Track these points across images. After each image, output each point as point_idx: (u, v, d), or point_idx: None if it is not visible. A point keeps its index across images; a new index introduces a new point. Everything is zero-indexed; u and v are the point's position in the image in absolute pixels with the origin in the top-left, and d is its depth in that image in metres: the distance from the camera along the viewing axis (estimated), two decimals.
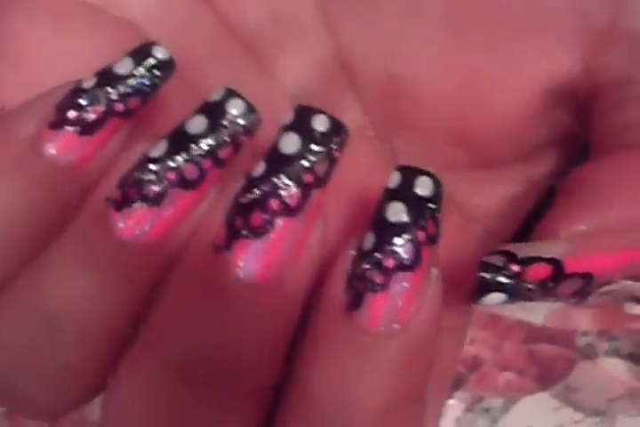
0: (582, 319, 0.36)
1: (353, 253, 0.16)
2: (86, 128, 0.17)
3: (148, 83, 0.17)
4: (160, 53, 0.17)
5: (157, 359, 0.16)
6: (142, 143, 0.17)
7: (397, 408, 0.16)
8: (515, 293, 0.15)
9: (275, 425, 0.17)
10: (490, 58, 0.19)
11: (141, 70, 0.17)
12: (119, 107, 0.17)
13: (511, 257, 0.15)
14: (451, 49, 0.19)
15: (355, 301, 0.16)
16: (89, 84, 0.17)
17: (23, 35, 0.19)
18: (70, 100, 0.17)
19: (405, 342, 0.16)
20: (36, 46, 0.19)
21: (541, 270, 0.15)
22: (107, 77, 0.17)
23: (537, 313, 0.36)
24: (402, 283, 0.16)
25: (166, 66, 0.17)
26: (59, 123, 0.17)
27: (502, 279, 0.15)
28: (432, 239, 0.16)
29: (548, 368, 0.35)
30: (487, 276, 0.15)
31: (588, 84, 0.19)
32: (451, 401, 0.35)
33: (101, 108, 0.17)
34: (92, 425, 0.33)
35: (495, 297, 0.16)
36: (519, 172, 0.20)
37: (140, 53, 0.17)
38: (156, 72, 0.17)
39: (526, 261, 0.15)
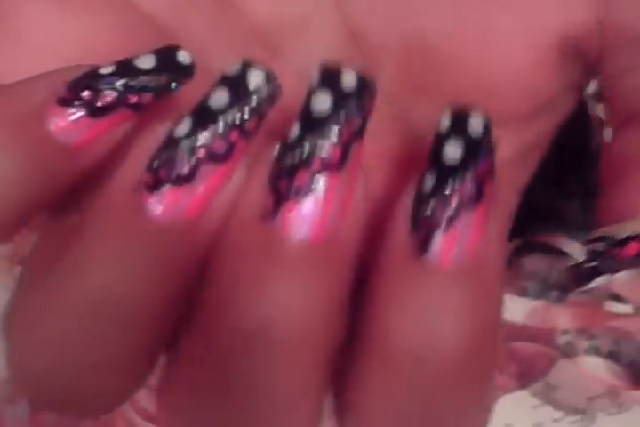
0: (562, 318, 0.36)
1: (413, 196, 0.16)
2: (95, 111, 0.17)
3: (165, 84, 0.17)
4: (183, 58, 0.17)
5: (225, 331, 0.16)
6: (163, 124, 0.17)
7: (480, 345, 0.16)
8: (615, 272, 0.16)
9: (350, 381, 0.17)
10: (504, 12, 0.19)
11: (161, 70, 0.17)
12: (133, 99, 0.17)
13: (608, 240, 0.16)
14: (464, 7, 0.19)
15: (423, 243, 0.16)
16: (106, 70, 0.17)
17: (25, 12, 0.19)
18: (86, 81, 0.17)
19: (480, 277, 0.16)
20: (37, 25, 0.19)
21: (633, 247, 0.16)
22: (126, 69, 0.17)
23: (517, 312, 0.36)
24: (467, 219, 0.16)
25: (186, 71, 0.17)
26: (68, 100, 0.16)
27: (605, 263, 0.16)
28: (490, 174, 0.16)
29: (527, 366, 0.35)
30: (593, 263, 0.16)
31: (600, 40, 0.19)
32: None
33: (115, 95, 0.17)
34: (72, 422, 0.33)
35: (599, 280, 0.16)
36: (533, 124, 0.21)
37: (164, 54, 0.17)
38: (175, 75, 0.17)
39: (622, 242, 0.16)
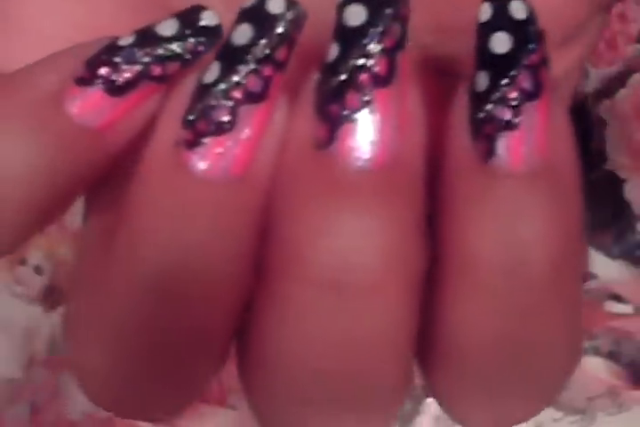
0: None
1: (467, 98, 0.15)
2: (117, 88, 0.15)
3: (191, 48, 0.16)
4: (209, 19, 0.16)
5: (297, 285, 0.15)
6: (190, 75, 0.16)
7: (568, 250, 0.15)
8: None
9: (438, 312, 0.16)
10: None
11: (186, 36, 0.16)
12: (156, 70, 0.16)
13: None
14: None
15: (489, 146, 0.15)
16: (126, 41, 0.16)
17: (31, 2, 0.18)
18: (103, 57, 0.16)
19: (556, 176, 0.15)
20: (39, 10, 0.18)
21: None
22: (147, 37, 0.16)
23: None
24: (531, 114, 0.15)
25: (213, 32, 0.16)
26: (87, 79, 0.15)
27: None
28: (545, 62, 0.15)
29: None
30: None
31: None
32: (430, 399, 0.35)
33: (137, 68, 0.15)
34: (70, 423, 0.33)
35: None
36: (562, 52, 0.19)
37: (187, 17, 0.16)
38: (202, 38, 0.16)
39: None
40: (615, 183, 0.35)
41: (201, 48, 0.16)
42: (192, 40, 0.16)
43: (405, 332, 0.15)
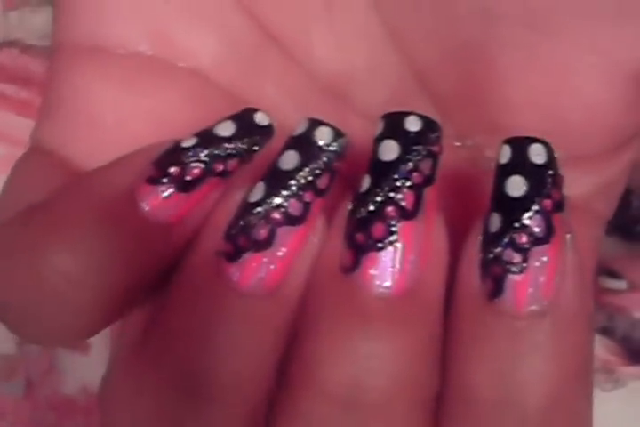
0: None
1: (480, 238, 0.16)
2: (185, 185, 0.16)
3: (247, 148, 0.17)
4: (261, 120, 0.17)
5: (312, 396, 0.16)
6: (238, 191, 0.17)
7: (566, 392, 0.15)
8: None
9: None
10: (575, 48, 0.18)
11: (242, 135, 0.17)
12: (219, 167, 0.17)
13: None
14: (533, 45, 0.18)
15: (495, 287, 0.15)
16: (189, 143, 0.17)
17: (95, 93, 0.19)
18: (171, 157, 0.17)
19: (559, 317, 0.15)
20: (109, 105, 0.19)
21: None
22: (208, 138, 0.17)
23: None
24: (540, 257, 0.15)
25: (266, 132, 0.17)
26: (157, 178, 0.16)
27: None
28: (559, 206, 0.15)
29: None
30: None
31: None
32: None
33: (202, 166, 0.16)
34: (66, 398, 0.33)
35: None
36: (615, 160, 0.20)
37: (242, 118, 0.17)
38: (256, 138, 0.17)
39: None
40: None
41: (256, 147, 0.17)
42: (248, 139, 0.17)
43: None
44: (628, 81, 0.18)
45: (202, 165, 0.16)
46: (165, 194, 0.16)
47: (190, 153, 0.17)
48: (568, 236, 0.16)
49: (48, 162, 0.19)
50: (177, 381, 0.16)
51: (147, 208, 0.16)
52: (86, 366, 0.33)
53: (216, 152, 0.17)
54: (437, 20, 0.19)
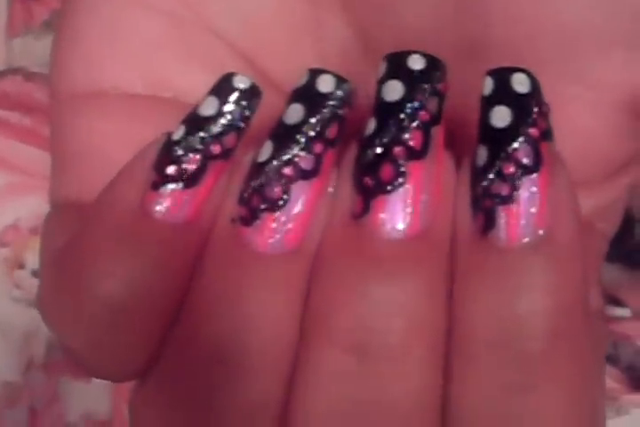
0: None
1: (468, 172, 0.15)
2: (190, 180, 0.16)
3: (238, 117, 0.16)
4: (242, 83, 0.16)
5: (334, 345, 0.15)
6: (246, 155, 0.16)
7: (563, 323, 0.15)
8: None
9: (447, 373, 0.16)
10: (563, 79, 0.18)
11: (229, 106, 0.16)
12: (216, 149, 0.16)
13: None
14: None
15: (487, 221, 0.15)
16: (179, 133, 0.16)
17: (97, 132, 0.19)
18: (166, 156, 0.16)
19: (553, 249, 0.15)
20: (113, 140, 0.19)
21: None
22: (195, 122, 0.16)
23: None
24: (530, 188, 0.15)
25: (252, 94, 0.16)
26: (161, 182, 0.16)
27: None
28: (546, 134, 0.15)
29: None
30: None
31: None
32: None
33: (199, 155, 0.16)
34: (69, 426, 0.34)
35: None
36: (611, 184, 0.19)
37: (221, 88, 0.16)
38: (244, 103, 0.16)
39: None
40: None
41: (247, 112, 0.16)
42: (236, 108, 0.16)
43: (432, 395, 0.16)
44: (617, 109, 0.18)
45: (197, 156, 0.16)
46: (174, 195, 0.16)
47: (182, 145, 0.16)
48: (559, 166, 0.15)
49: (71, 215, 0.19)
50: (213, 354, 0.16)
51: (160, 215, 0.16)
52: (88, 394, 0.33)
53: (207, 135, 0.16)
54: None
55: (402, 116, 0.15)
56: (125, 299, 0.16)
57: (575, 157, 0.18)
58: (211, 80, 0.18)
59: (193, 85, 0.19)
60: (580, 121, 0.18)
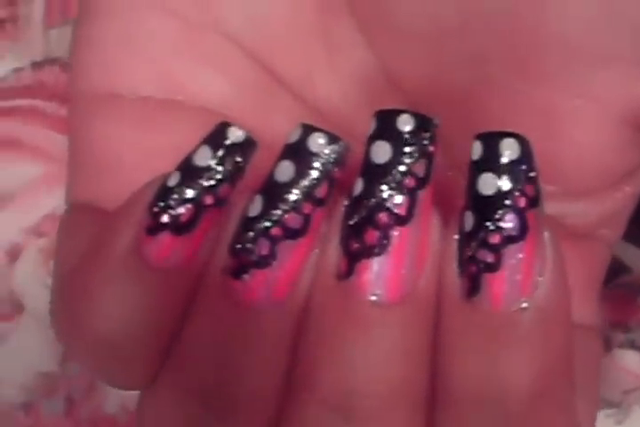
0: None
1: (456, 237, 0.16)
2: (182, 228, 0.16)
3: (232, 170, 0.16)
4: (236, 135, 0.16)
5: (319, 403, 0.16)
6: (240, 204, 0.16)
7: (547, 385, 0.15)
8: None
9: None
10: (562, 93, 0.18)
11: (222, 159, 0.16)
12: (209, 199, 0.16)
13: None
14: (521, 89, 0.18)
15: (472, 285, 0.15)
16: (174, 181, 0.16)
17: (112, 137, 0.19)
18: (160, 202, 0.16)
19: (537, 313, 0.15)
20: (127, 146, 0.19)
21: None
22: (189, 172, 0.16)
23: None
24: (515, 255, 0.15)
25: (246, 146, 0.16)
26: (155, 227, 0.16)
27: None
28: (534, 202, 0.15)
29: None
30: None
31: None
32: None
33: (192, 205, 0.16)
34: (106, 417, 0.33)
35: None
36: (614, 193, 0.19)
37: (215, 139, 0.16)
38: (238, 157, 0.16)
39: None
40: None
41: (241, 164, 0.16)
42: (229, 161, 0.16)
43: None
44: (619, 122, 0.18)
45: (190, 206, 0.16)
46: (167, 242, 0.16)
47: (176, 194, 0.16)
48: (546, 233, 0.15)
49: (86, 216, 0.19)
50: (204, 398, 0.16)
51: (154, 260, 0.16)
52: None
53: (201, 186, 0.16)
54: (428, 61, 0.19)
55: (388, 180, 0.15)
56: (121, 338, 0.17)
57: (576, 168, 0.18)
58: (224, 84, 0.18)
59: (207, 89, 0.20)
60: (581, 133, 0.18)
